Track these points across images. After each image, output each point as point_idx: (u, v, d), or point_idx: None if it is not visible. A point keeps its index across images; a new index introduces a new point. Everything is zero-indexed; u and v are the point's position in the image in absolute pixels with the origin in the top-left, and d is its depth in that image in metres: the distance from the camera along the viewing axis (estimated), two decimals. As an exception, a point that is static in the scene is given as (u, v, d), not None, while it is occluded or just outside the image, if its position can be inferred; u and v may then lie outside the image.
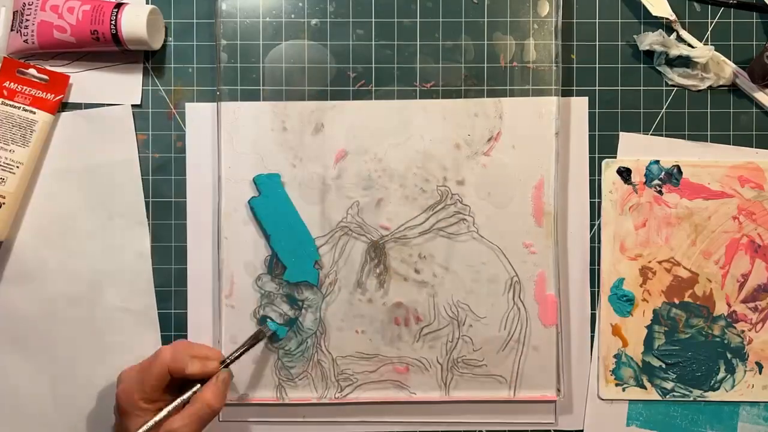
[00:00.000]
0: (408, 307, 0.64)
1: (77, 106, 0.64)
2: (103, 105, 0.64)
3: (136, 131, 0.64)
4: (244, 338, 0.61)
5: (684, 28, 0.64)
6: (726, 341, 0.64)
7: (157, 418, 0.55)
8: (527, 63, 0.64)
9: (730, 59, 0.64)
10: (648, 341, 0.64)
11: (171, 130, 0.64)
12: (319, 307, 0.64)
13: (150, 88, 0.64)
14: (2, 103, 0.62)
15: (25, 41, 0.62)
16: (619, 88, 0.64)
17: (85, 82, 0.64)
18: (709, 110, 0.64)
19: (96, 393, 0.64)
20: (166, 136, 0.64)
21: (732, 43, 0.64)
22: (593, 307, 0.65)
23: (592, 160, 0.64)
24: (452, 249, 0.63)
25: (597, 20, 0.64)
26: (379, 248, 0.64)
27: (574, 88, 0.64)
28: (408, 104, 0.64)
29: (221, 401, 0.57)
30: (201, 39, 0.64)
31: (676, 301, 0.64)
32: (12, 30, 0.63)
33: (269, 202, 0.63)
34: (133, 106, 0.64)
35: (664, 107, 0.64)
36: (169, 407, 0.55)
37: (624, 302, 0.64)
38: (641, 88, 0.64)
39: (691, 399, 0.65)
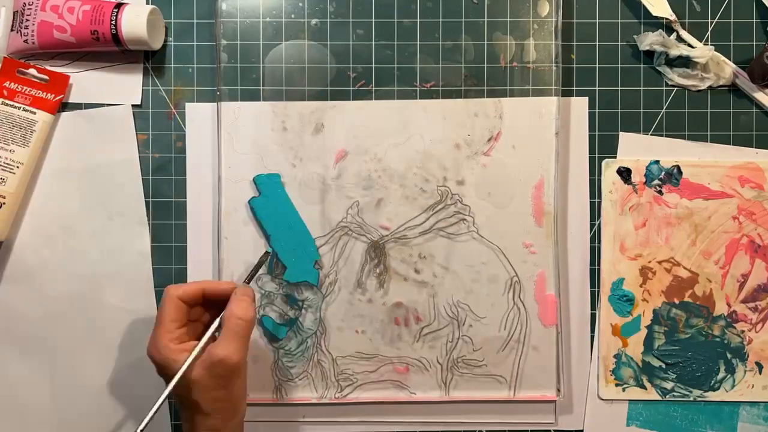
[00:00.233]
0: (408, 307, 0.64)
1: (77, 106, 0.64)
2: (103, 105, 0.64)
3: (136, 131, 0.64)
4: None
5: (684, 28, 0.64)
6: (726, 341, 0.64)
7: (196, 350, 0.53)
8: (527, 63, 0.64)
9: (730, 59, 0.64)
10: (648, 341, 0.64)
11: (171, 130, 0.64)
12: (319, 307, 0.64)
13: (150, 88, 0.64)
14: (2, 103, 0.62)
15: (25, 41, 0.62)
16: (619, 88, 0.64)
17: (85, 82, 0.64)
18: (709, 110, 0.64)
19: (96, 393, 0.64)
20: (166, 136, 0.64)
21: (732, 43, 0.64)
22: (593, 307, 0.65)
23: (592, 160, 0.64)
24: (452, 249, 0.63)
25: (597, 20, 0.64)
26: (379, 248, 0.64)
27: (574, 88, 0.64)
28: (408, 104, 0.64)
29: (250, 312, 0.55)
30: (201, 39, 0.64)
31: (676, 301, 0.64)
32: (12, 30, 0.63)
33: (269, 202, 0.63)
34: (133, 106, 0.64)
35: (664, 107, 0.64)
36: (203, 339, 0.54)
37: (624, 302, 0.64)
38: (641, 88, 0.64)
39: (691, 399, 0.65)
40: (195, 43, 0.64)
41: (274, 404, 0.65)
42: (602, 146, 0.64)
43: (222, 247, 0.63)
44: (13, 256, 0.64)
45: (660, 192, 0.64)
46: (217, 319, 0.55)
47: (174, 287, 0.55)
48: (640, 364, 0.64)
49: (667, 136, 0.64)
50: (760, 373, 0.65)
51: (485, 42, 0.64)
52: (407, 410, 0.65)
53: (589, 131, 0.64)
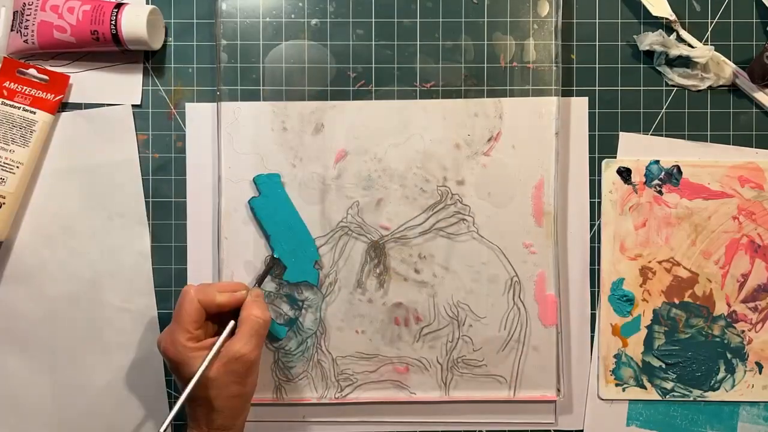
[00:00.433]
0: (408, 307, 0.64)
1: (77, 106, 0.64)
2: (103, 105, 0.64)
3: (136, 131, 0.64)
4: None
5: (684, 28, 0.64)
6: (726, 341, 0.64)
7: (214, 349, 0.55)
8: (527, 63, 0.64)
9: (730, 59, 0.64)
10: (648, 341, 0.64)
11: (171, 130, 0.64)
12: (319, 307, 0.64)
13: (150, 88, 0.64)
14: (2, 103, 0.62)
15: (25, 41, 0.62)
16: (619, 88, 0.64)
17: (85, 82, 0.64)
18: (709, 110, 0.64)
19: (96, 393, 0.64)
20: (166, 136, 0.64)
21: (732, 43, 0.64)
22: (593, 307, 0.65)
23: (592, 160, 0.64)
24: (452, 249, 0.63)
25: (597, 20, 0.64)
26: (379, 248, 0.64)
27: (574, 88, 0.64)
28: (408, 104, 0.64)
29: (265, 312, 0.57)
30: (201, 39, 0.64)
31: (676, 301, 0.64)
32: (12, 30, 0.63)
33: (269, 202, 0.63)
34: (133, 106, 0.64)
35: (664, 107, 0.64)
36: (221, 337, 0.56)
37: (624, 302, 0.64)
38: (641, 88, 0.64)
39: (691, 399, 0.65)
40: (195, 43, 0.64)
41: (274, 404, 0.65)
42: (602, 146, 0.64)
43: (222, 247, 0.63)
44: (13, 256, 0.64)
45: (660, 192, 0.64)
46: (231, 322, 0.57)
47: (196, 290, 0.57)
48: (640, 364, 0.64)
49: (667, 136, 0.64)
50: (760, 373, 0.65)
51: (485, 42, 0.64)
52: (407, 410, 0.65)
53: (589, 131, 0.64)
